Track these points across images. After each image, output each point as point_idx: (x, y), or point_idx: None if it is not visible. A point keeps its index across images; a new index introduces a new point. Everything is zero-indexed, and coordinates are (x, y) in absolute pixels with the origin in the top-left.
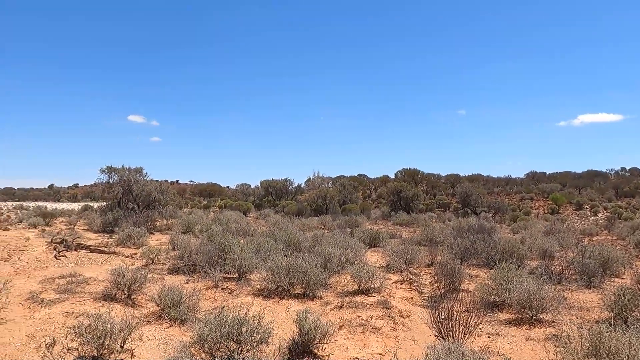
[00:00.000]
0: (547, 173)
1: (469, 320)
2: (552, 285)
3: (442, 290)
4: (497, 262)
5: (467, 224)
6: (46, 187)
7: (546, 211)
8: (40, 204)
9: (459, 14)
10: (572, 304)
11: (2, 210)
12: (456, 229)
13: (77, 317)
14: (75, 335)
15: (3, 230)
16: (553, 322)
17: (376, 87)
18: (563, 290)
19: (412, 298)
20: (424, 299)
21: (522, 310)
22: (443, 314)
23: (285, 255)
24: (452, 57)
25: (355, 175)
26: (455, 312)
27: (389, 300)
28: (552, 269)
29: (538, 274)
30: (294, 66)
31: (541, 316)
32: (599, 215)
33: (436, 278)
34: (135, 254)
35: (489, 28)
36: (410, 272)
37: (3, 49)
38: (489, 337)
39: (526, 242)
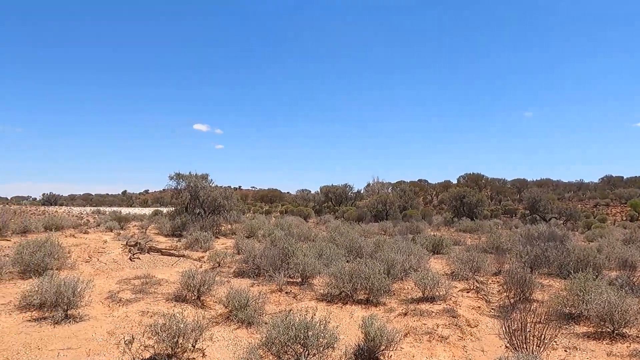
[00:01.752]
0: (625, 177)
1: (543, 332)
2: (635, 297)
3: (512, 300)
4: (571, 272)
5: (537, 230)
6: (120, 193)
7: (624, 218)
8: (115, 208)
9: (525, 12)
10: None
11: (82, 215)
12: (525, 236)
13: (152, 316)
14: (151, 334)
15: (84, 233)
16: (638, 337)
17: (438, 89)
18: None
19: (479, 307)
20: (492, 309)
21: (602, 323)
22: (515, 324)
23: (347, 261)
24: (518, 57)
25: (416, 180)
26: (528, 323)
27: (455, 308)
28: (635, 280)
29: (618, 285)
30: (354, 68)
31: (624, 330)
32: None
33: (505, 287)
34: (203, 257)
35: (556, 25)
36: (476, 280)
37: (80, 56)
38: (565, 350)
39: (603, 250)
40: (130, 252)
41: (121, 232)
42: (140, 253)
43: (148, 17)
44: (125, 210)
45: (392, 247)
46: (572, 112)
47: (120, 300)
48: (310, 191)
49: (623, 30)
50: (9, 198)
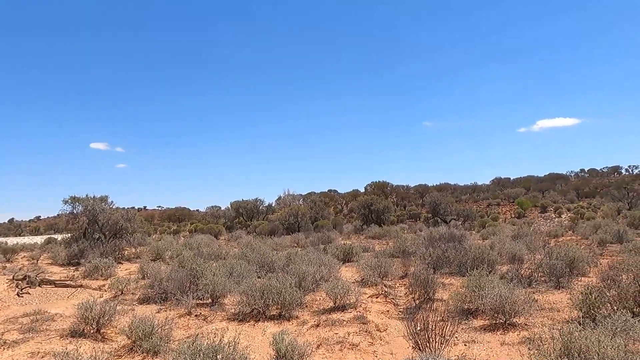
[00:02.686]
0: (512, 178)
1: (444, 330)
2: (522, 288)
3: (417, 301)
4: (469, 269)
5: (438, 233)
6: (6, 221)
7: (513, 215)
8: (0, 239)
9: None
10: (543, 305)
11: None
12: (428, 239)
13: (42, 357)
14: None
15: None
16: (526, 325)
17: (344, 100)
18: (534, 293)
19: (388, 311)
20: (399, 311)
21: (496, 315)
22: (419, 325)
23: (259, 277)
24: (418, 67)
25: (326, 190)
26: (431, 322)
27: (365, 315)
28: (522, 272)
29: (509, 278)
30: (256, 82)
31: (514, 320)
32: (563, 216)
33: (411, 289)
34: (104, 285)
35: (445, 33)
36: (385, 285)
37: None
38: (465, 344)
39: (495, 247)
40: (18, 287)
41: (7, 265)
42: (30, 287)
43: (38, 33)
44: (12, 240)
45: (303, 259)
46: (464, 120)
47: (4, 342)
48: (220, 207)
49: (509, 39)
50: None
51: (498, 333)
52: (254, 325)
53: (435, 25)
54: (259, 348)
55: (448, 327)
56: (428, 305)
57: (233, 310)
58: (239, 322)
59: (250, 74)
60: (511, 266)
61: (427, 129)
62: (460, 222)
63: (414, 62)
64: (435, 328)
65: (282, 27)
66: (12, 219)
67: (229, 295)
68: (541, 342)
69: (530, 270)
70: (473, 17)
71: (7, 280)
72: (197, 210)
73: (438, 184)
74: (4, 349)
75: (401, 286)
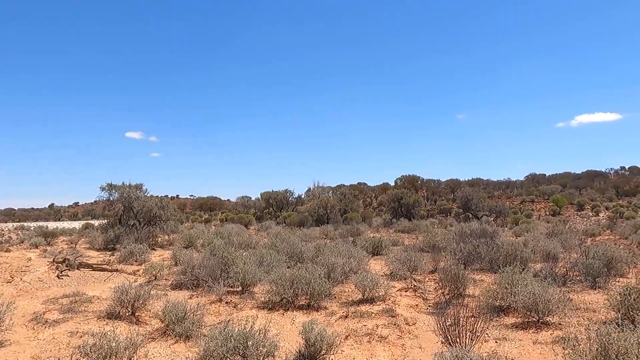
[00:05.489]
0: (547, 175)
1: (475, 326)
2: (557, 287)
3: (447, 297)
4: (500, 266)
5: (469, 228)
6: (46, 206)
7: (547, 213)
8: (41, 223)
9: (457, 13)
10: (578, 305)
11: (3, 232)
12: (458, 234)
13: (81, 337)
14: (80, 355)
15: (5, 251)
16: (560, 324)
17: (375, 93)
18: (568, 292)
19: (417, 305)
20: (429, 306)
21: (528, 313)
22: (449, 320)
23: (288, 267)
24: (451, 59)
25: (355, 183)
26: (461, 318)
27: (394, 308)
28: (557, 270)
29: (542, 276)
30: (293, 71)
31: (548, 319)
32: (601, 215)
33: (440, 284)
34: (138, 270)
35: (482, 26)
36: (414, 279)
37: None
38: (496, 342)
39: (529, 244)
40: (57, 269)
41: (48, 248)
42: (70, 270)
43: (74, 19)
44: (52, 225)
45: (332, 251)
46: (499, 114)
47: (46, 321)
48: (250, 198)
49: (548, 33)
50: None
51: (530, 331)
52: (283, 314)
53: (474, 16)
54: (288, 336)
55: (479, 323)
56: (458, 301)
57: (262, 298)
58: (268, 310)
59: (285, 60)
60: (545, 264)
61: (460, 121)
62: (492, 218)
63: (448, 53)
64: (466, 323)
65: (317, 11)
66: (52, 204)
67: (258, 284)
68: (577, 342)
69: (565, 269)
70: (512, 10)
71: (48, 263)
72: (228, 199)
73: (470, 178)
74: (45, 327)
75: (430, 281)
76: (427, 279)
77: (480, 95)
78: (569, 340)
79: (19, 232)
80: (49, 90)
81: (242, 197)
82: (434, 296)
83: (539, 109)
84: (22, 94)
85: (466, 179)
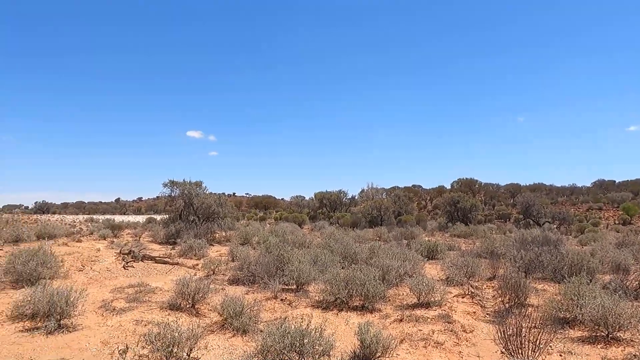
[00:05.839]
0: (617, 181)
1: (538, 337)
2: (628, 301)
3: (507, 305)
4: (565, 276)
5: (531, 235)
6: (113, 200)
7: (617, 222)
8: (108, 216)
9: (518, 11)
10: None
11: (75, 223)
12: (519, 241)
13: (146, 325)
14: (145, 343)
15: (77, 241)
16: (632, 340)
17: (431, 94)
18: None
19: (474, 312)
20: (487, 314)
21: (596, 327)
22: (510, 329)
23: (342, 267)
24: (510, 59)
25: (410, 185)
26: (523, 328)
27: (450, 314)
28: (628, 283)
29: (612, 288)
30: (348, 73)
31: (618, 334)
32: None
33: (500, 292)
34: (197, 264)
35: (548, 27)
36: (471, 286)
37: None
38: (560, 355)
39: (597, 254)
40: (123, 260)
41: (114, 240)
42: (134, 261)
43: (138, 23)
44: (118, 218)
45: (387, 253)
46: (564, 116)
47: (114, 309)
48: (304, 197)
49: (616, 32)
50: (0, 207)
51: (599, 346)
52: (337, 314)
53: (537, 15)
54: (343, 337)
55: (542, 334)
56: (518, 310)
57: (317, 297)
58: (322, 309)
59: (338, 60)
60: (615, 276)
61: (521, 124)
62: (555, 226)
63: (508, 52)
64: (529, 334)
65: (364, 12)
66: (118, 198)
67: (313, 283)
68: None
69: (637, 282)
70: (577, 6)
71: (115, 254)
72: (283, 199)
73: (531, 183)
74: (113, 315)
75: (488, 288)
76: (484, 286)
77: (542, 96)
78: None
79: (89, 224)
80: (117, 92)
81: (296, 196)
82: (492, 304)
83: (609, 111)
84: (90, 96)
85: (527, 184)
